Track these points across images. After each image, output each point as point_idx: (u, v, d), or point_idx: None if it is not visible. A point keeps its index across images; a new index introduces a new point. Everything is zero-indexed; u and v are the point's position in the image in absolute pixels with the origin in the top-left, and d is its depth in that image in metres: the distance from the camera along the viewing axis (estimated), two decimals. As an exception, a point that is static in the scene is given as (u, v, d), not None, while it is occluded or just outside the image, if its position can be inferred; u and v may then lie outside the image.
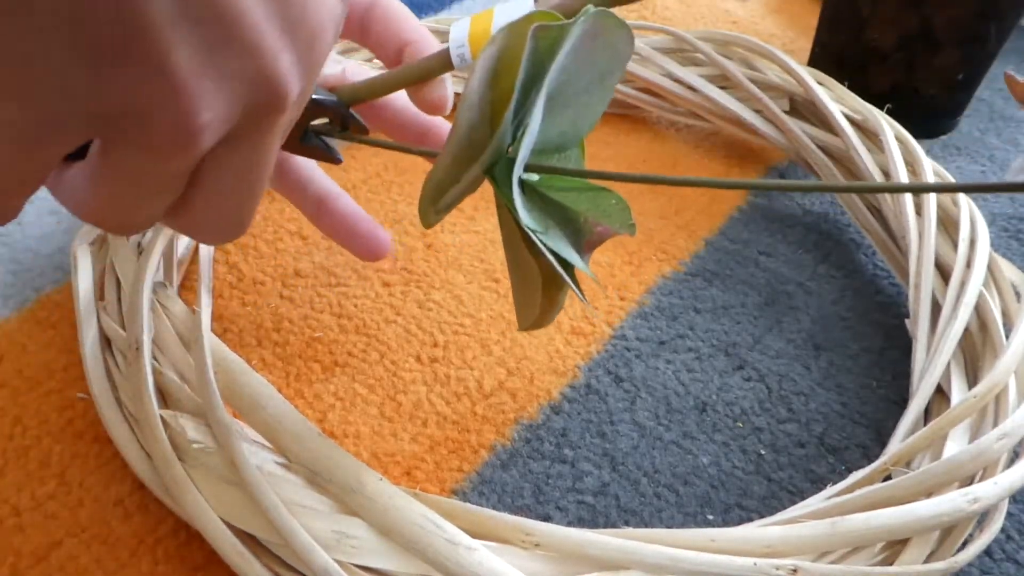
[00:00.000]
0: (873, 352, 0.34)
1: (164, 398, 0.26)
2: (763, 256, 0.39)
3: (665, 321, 0.35)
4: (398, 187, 0.42)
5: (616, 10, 0.17)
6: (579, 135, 0.20)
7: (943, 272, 0.33)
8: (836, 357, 0.34)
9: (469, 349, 0.33)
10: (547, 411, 0.31)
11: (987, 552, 0.27)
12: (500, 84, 0.17)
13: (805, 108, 0.43)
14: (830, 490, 0.25)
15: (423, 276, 0.36)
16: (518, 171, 0.17)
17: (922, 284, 0.32)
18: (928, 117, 0.49)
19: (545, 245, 0.17)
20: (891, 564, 0.22)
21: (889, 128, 0.38)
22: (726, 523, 0.28)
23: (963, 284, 0.31)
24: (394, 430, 0.30)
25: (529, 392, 0.31)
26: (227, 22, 0.13)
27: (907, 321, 0.33)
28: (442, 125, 0.27)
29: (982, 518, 0.25)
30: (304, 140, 0.23)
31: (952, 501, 0.22)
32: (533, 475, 0.29)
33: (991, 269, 0.32)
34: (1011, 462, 0.24)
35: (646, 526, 0.27)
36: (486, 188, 0.21)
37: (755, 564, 0.21)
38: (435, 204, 0.17)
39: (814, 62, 0.51)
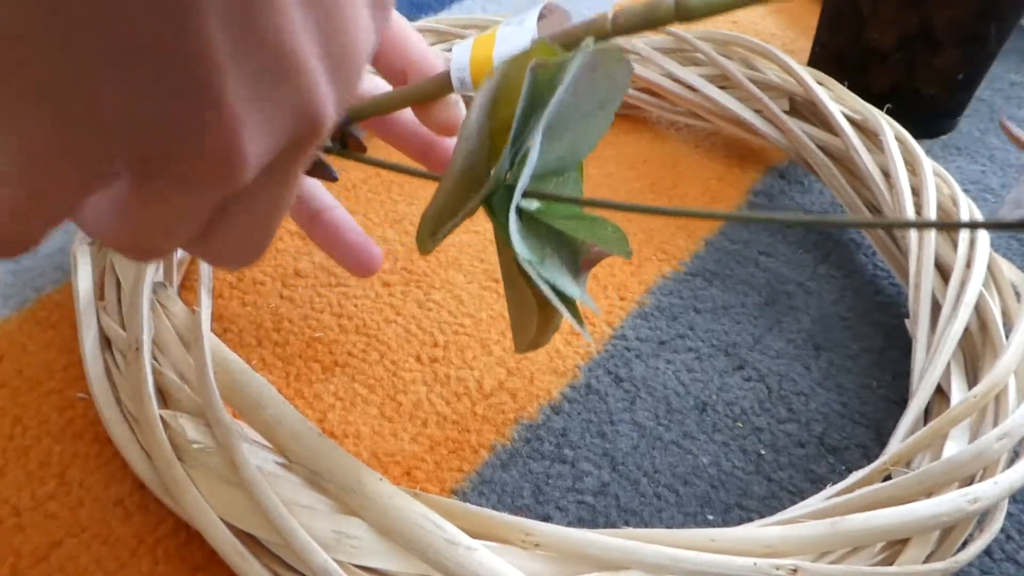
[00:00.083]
0: (873, 352, 0.34)
1: (164, 398, 0.26)
2: (763, 256, 0.39)
3: (665, 321, 0.35)
4: (398, 186, 0.42)
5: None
6: (577, 158, 0.20)
7: (943, 272, 0.33)
8: (836, 357, 0.34)
9: (469, 349, 0.33)
10: (547, 411, 0.31)
11: (987, 552, 0.27)
12: (499, 115, 0.17)
13: (805, 108, 0.43)
14: (830, 490, 0.25)
15: (423, 276, 0.36)
16: (516, 199, 0.17)
17: (922, 284, 0.32)
18: (928, 117, 0.49)
19: (541, 276, 0.17)
20: (891, 564, 0.22)
21: (889, 128, 0.38)
22: (726, 523, 0.28)
23: (963, 284, 0.31)
24: (394, 430, 0.30)
25: (529, 392, 0.31)
26: (279, 54, 0.13)
27: (907, 321, 0.33)
28: (447, 139, 0.27)
29: (982, 518, 0.25)
30: None
31: (952, 501, 0.22)
32: (533, 475, 0.29)
33: (991, 269, 0.32)
34: (1011, 462, 0.24)
35: (646, 526, 0.27)
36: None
37: (755, 564, 0.21)
38: (433, 236, 0.17)
39: (814, 62, 0.51)
